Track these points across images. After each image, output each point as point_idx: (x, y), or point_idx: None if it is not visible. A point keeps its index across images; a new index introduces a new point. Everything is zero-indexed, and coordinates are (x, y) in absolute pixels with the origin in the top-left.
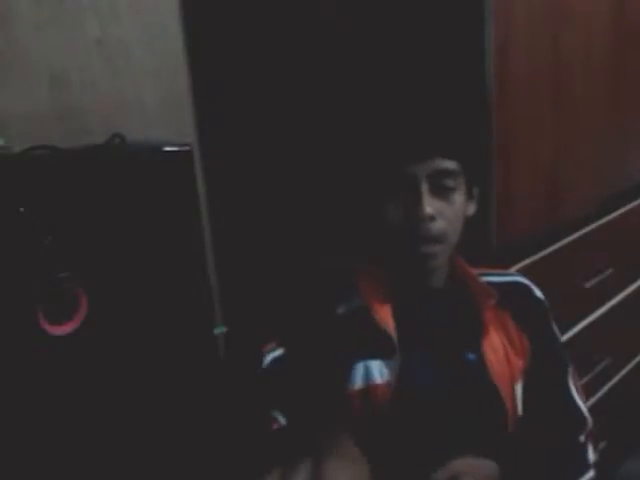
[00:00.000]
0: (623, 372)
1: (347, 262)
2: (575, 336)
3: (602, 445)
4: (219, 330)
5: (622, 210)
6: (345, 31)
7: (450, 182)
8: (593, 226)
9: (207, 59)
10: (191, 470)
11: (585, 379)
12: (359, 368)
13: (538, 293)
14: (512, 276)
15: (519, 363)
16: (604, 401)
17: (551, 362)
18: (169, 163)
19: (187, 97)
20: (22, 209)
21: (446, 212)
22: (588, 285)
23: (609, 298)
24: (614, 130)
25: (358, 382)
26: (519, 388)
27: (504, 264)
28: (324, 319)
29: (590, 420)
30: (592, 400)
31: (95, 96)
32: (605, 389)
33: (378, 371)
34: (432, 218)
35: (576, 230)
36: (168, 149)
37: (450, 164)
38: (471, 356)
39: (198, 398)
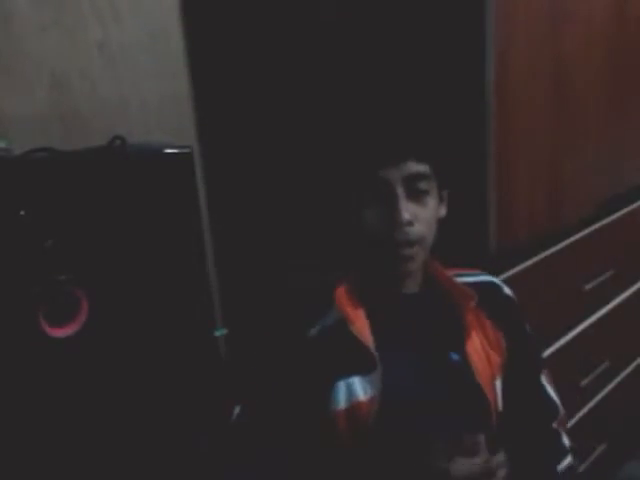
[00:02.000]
0: (623, 374)
1: (324, 274)
2: (575, 338)
3: (602, 448)
4: (219, 332)
5: (622, 212)
6: (345, 33)
7: (424, 185)
8: (593, 228)
9: (207, 61)
10: (190, 472)
11: (585, 381)
12: (341, 387)
13: (507, 290)
14: (482, 275)
15: (497, 360)
16: (604, 403)
17: (524, 355)
18: (170, 165)
19: (187, 99)
20: (23, 212)
21: (422, 215)
22: (588, 287)
23: (609, 300)
24: (614, 132)
25: (342, 402)
26: (498, 384)
27: (504, 266)
28: (299, 343)
29: (562, 408)
30: (592, 402)
31: (96, 98)
32: (605, 391)
33: (361, 388)
34: (410, 223)
35: (576, 232)
36: (168, 151)
37: (423, 167)
38: (455, 357)
39: (199, 400)
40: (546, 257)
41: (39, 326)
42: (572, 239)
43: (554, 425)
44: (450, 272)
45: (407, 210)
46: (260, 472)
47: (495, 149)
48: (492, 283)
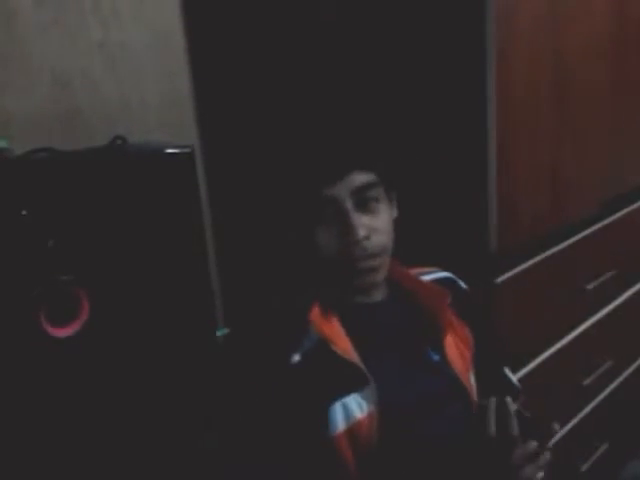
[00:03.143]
0: (625, 374)
1: (299, 297)
2: (577, 338)
3: (604, 447)
4: (221, 332)
5: (624, 212)
6: (345, 32)
7: (373, 194)
8: (595, 228)
9: (208, 61)
10: (192, 472)
11: (587, 381)
12: (337, 409)
13: (463, 284)
14: (439, 272)
15: (468, 354)
16: (606, 403)
17: (486, 342)
18: (171, 165)
19: (188, 99)
20: (24, 212)
21: (376, 225)
22: (589, 287)
23: (611, 300)
24: (616, 132)
25: (340, 424)
26: (472, 378)
27: (506, 266)
28: (284, 375)
29: (520, 386)
30: (594, 402)
31: (97, 98)
32: (607, 391)
33: (357, 405)
34: (366, 237)
35: (578, 232)
36: (170, 151)
37: (368, 176)
38: (436, 357)
39: (200, 399)
40: (548, 257)
41: (40, 326)
42: (574, 239)
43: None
44: (411, 271)
45: (361, 225)
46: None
47: (496, 149)
48: (450, 279)
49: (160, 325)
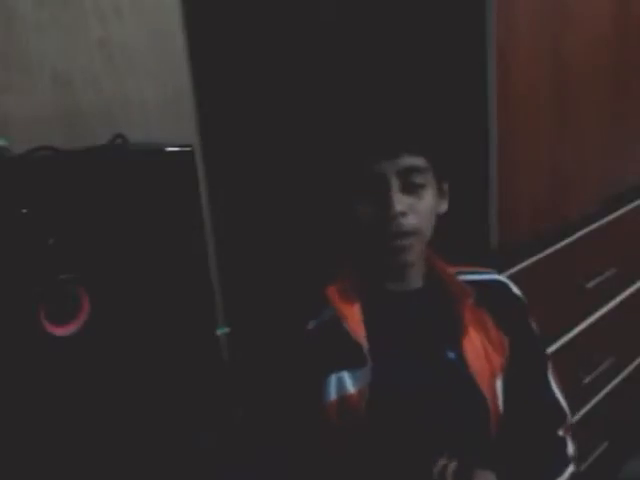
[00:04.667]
0: (625, 373)
1: (320, 271)
2: (577, 337)
3: (604, 446)
4: (221, 331)
5: (624, 210)
6: (345, 31)
7: (419, 178)
8: (595, 226)
9: (209, 59)
10: (190, 472)
11: (587, 380)
12: (332, 380)
13: (516, 290)
14: (490, 274)
15: (498, 360)
16: (606, 401)
17: (530, 357)
18: (171, 163)
19: (189, 97)
20: (25, 210)
21: (417, 208)
22: (590, 285)
23: (611, 298)
24: (616, 130)
25: (332, 394)
26: (499, 385)
27: (505, 264)
28: (297, 337)
29: (569, 414)
30: (594, 401)
31: (97, 96)
32: (607, 389)
33: (350, 380)
34: (403, 214)
35: (578, 230)
36: (170, 149)
37: (418, 161)
38: (451, 355)
39: (200, 399)
40: (548, 255)
41: (40, 324)
42: (574, 237)
43: (560, 432)
44: (454, 269)
45: (400, 202)
46: (259, 471)
47: (497, 147)
48: (499, 282)
49: (160, 324)
